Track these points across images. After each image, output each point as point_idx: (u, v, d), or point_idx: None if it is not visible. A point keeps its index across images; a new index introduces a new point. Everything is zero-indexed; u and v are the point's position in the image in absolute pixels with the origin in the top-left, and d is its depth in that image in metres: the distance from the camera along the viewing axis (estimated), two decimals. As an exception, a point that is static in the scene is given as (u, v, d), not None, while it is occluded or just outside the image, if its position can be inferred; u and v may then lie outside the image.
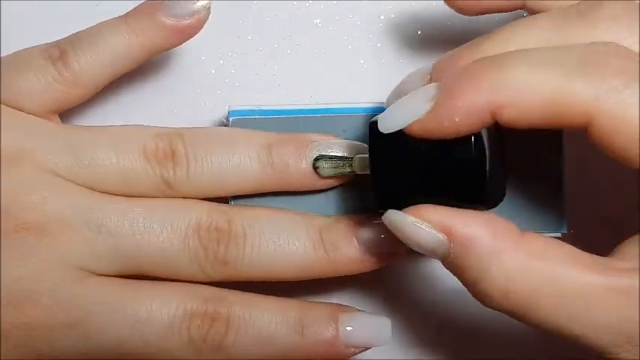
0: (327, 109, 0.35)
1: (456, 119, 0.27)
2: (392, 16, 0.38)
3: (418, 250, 0.29)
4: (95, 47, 0.33)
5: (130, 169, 0.33)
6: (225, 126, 0.35)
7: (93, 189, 0.33)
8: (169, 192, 0.33)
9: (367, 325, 0.33)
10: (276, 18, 0.38)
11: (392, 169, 0.30)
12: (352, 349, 0.33)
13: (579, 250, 0.28)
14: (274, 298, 0.34)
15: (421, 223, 0.29)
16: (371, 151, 0.31)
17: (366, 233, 0.33)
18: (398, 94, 0.31)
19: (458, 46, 0.30)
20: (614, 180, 0.38)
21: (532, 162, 0.34)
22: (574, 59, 0.27)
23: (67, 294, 0.32)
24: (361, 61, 0.38)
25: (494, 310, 0.29)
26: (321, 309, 0.33)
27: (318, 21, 0.38)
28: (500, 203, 0.34)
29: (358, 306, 0.34)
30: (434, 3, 0.38)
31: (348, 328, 0.33)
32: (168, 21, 0.34)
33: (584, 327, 0.27)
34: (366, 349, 0.34)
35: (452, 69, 0.29)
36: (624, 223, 0.38)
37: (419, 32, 0.38)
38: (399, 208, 0.29)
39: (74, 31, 0.36)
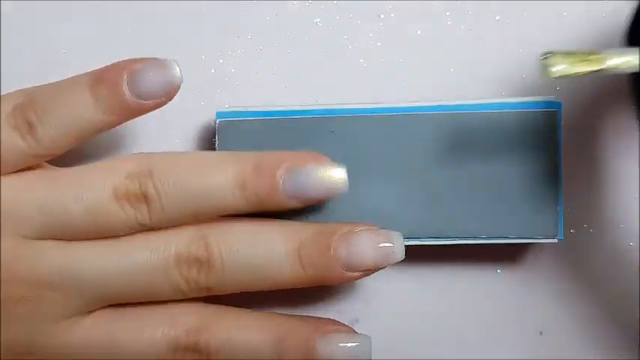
0: (314, 110, 0.35)
1: None
2: (392, 16, 0.38)
3: None
4: (62, 119, 0.33)
5: (102, 217, 0.33)
6: (213, 128, 0.35)
7: (63, 238, 0.33)
8: (145, 229, 0.33)
9: (345, 347, 0.34)
10: (276, 18, 0.38)
11: None
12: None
13: None
14: (258, 318, 0.34)
15: None
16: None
17: (344, 247, 0.33)
18: None
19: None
20: (614, 180, 0.38)
21: (528, 167, 0.34)
22: None
23: (60, 343, 0.33)
24: (361, 61, 0.38)
25: None
26: (300, 332, 0.34)
27: (318, 21, 0.38)
28: (496, 210, 0.34)
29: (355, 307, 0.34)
30: (434, 3, 0.38)
31: (325, 349, 0.33)
32: (133, 103, 0.33)
33: None
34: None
35: None
36: (624, 223, 0.38)
37: (419, 32, 0.38)
38: None
39: (74, 31, 0.36)
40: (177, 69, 0.33)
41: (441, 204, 0.34)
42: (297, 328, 0.34)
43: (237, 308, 0.35)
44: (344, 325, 0.35)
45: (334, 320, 0.35)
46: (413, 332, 0.38)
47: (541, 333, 0.38)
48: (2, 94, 0.33)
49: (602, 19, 0.38)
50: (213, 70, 0.38)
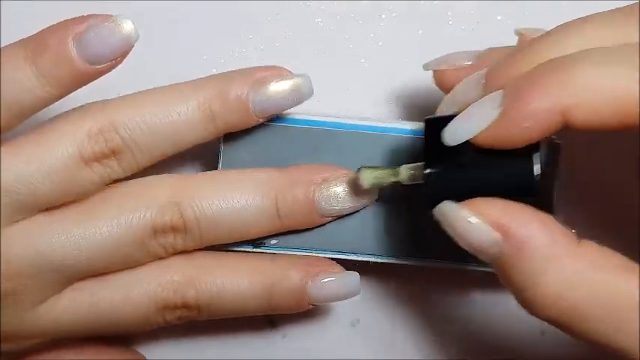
0: (320, 121, 0.34)
1: (526, 124, 0.26)
2: (392, 15, 0.38)
3: (464, 247, 0.28)
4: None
5: (72, 184, 0.31)
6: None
7: (35, 208, 0.32)
8: (121, 178, 0.33)
9: (336, 286, 0.34)
10: (276, 18, 0.38)
11: (448, 172, 0.29)
12: (320, 303, 0.34)
13: (633, 262, 0.27)
14: (246, 265, 0.34)
15: (475, 218, 0.27)
16: (427, 153, 0.30)
17: (322, 197, 0.33)
18: (452, 102, 0.30)
19: (462, 50, 0.30)
20: (614, 180, 0.38)
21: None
22: None
23: (44, 324, 0.33)
24: (361, 61, 0.38)
25: (538, 317, 0.27)
26: (291, 276, 0.34)
27: (319, 20, 0.38)
28: None
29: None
30: (434, 3, 0.38)
31: (316, 292, 0.34)
32: (82, 66, 0.30)
33: (632, 341, 0.26)
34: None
35: (514, 73, 0.28)
36: (624, 223, 0.38)
37: (419, 32, 0.38)
38: None
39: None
40: (130, 23, 0.31)
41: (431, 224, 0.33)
42: (287, 274, 0.34)
43: (221, 254, 0.34)
44: (333, 264, 0.35)
45: (322, 259, 0.34)
46: (413, 332, 0.38)
47: (542, 333, 0.38)
48: None
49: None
50: (214, 70, 0.38)
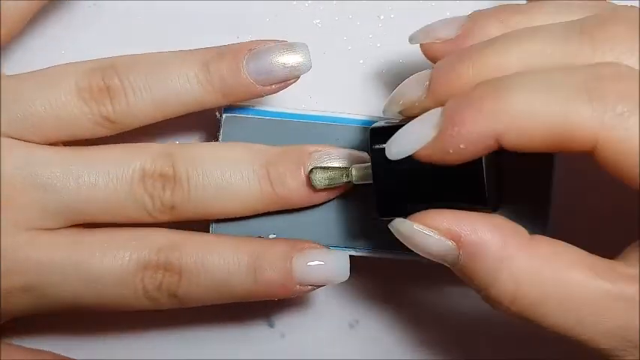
0: (321, 116, 0.35)
1: (461, 146, 0.28)
2: (392, 16, 0.38)
3: (427, 257, 0.29)
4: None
5: (65, 113, 0.32)
6: (219, 122, 0.35)
7: (32, 141, 0.33)
8: (112, 126, 0.33)
9: (323, 264, 0.33)
10: (276, 18, 0.38)
11: (394, 177, 0.31)
12: (308, 287, 0.34)
13: (587, 253, 0.29)
14: (230, 238, 0.34)
15: (429, 231, 0.29)
16: (373, 161, 0.31)
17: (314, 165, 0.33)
18: (396, 100, 0.31)
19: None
20: (614, 180, 0.38)
21: (521, 181, 0.33)
22: (577, 83, 0.27)
23: (21, 258, 0.32)
24: (361, 61, 0.38)
25: (505, 314, 0.29)
26: (276, 249, 0.33)
27: (318, 21, 0.38)
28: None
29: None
30: (434, 3, 0.38)
31: (303, 268, 0.33)
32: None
33: (590, 332, 0.28)
34: (324, 285, 0.34)
35: (454, 84, 0.29)
36: (624, 224, 0.38)
37: (419, 32, 0.38)
38: (402, 215, 0.30)
39: (74, 31, 0.36)
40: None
41: None
42: (272, 247, 0.33)
43: (206, 233, 0.34)
44: (320, 245, 0.34)
45: (310, 241, 0.34)
46: (413, 332, 0.38)
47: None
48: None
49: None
50: (213, 71, 0.38)
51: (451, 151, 0.28)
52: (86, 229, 0.33)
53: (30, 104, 0.32)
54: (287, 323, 0.38)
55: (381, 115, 0.33)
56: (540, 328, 0.29)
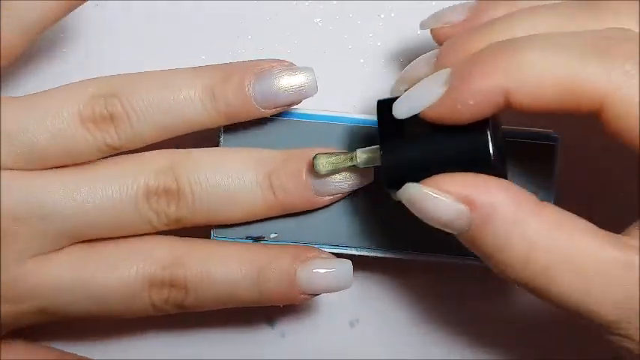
0: (322, 115, 0.35)
1: (470, 102, 0.28)
2: (392, 15, 0.38)
3: (432, 224, 0.29)
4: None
5: (70, 144, 0.32)
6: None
7: (34, 169, 0.32)
8: (115, 151, 0.33)
9: (327, 273, 0.33)
10: (276, 18, 0.38)
11: (401, 146, 0.30)
12: (312, 295, 0.34)
13: (595, 226, 0.28)
14: (234, 248, 0.34)
15: (441, 194, 0.28)
16: (381, 132, 0.30)
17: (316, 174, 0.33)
18: (405, 79, 0.32)
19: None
20: (614, 180, 0.38)
21: (525, 176, 0.34)
22: (587, 43, 0.27)
23: (31, 285, 0.32)
24: (361, 61, 0.38)
25: (513, 282, 0.29)
26: (280, 261, 0.33)
27: (318, 20, 0.38)
28: None
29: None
30: (434, 3, 0.38)
31: (307, 279, 0.33)
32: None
33: (599, 301, 0.28)
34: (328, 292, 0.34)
35: (462, 54, 0.29)
36: (624, 223, 0.38)
37: (419, 32, 0.38)
38: None
39: (73, 32, 0.36)
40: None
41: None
42: (277, 258, 0.33)
43: (211, 240, 0.34)
44: (324, 251, 0.34)
45: (313, 247, 0.34)
46: (413, 332, 0.38)
47: (539, 332, 0.38)
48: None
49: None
50: (213, 71, 0.38)
51: (459, 107, 0.28)
52: (91, 245, 0.33)
53: (32, 137, 0.32)
54: (287, 323, 0.38)
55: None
56: (547, 298, 0.28)
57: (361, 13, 0.38)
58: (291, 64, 0.33)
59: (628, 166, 0.37)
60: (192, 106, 0.32)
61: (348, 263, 0.34)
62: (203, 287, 0.33)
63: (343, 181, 0.33)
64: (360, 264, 0.35)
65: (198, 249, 0.34)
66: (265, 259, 0.33)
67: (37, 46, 0.37)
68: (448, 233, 0.29)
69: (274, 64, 0.33)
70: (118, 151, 0.33)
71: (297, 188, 0.33)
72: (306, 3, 0.38)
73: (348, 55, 0.38)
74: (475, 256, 0.30)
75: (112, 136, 0.32)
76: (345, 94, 0.37)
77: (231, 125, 0.34)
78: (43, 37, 0.36)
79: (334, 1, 0.38)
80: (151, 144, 0.33)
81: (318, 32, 0.38)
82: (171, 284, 0.33)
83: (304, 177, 0.33)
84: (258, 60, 0.33)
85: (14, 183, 0.32)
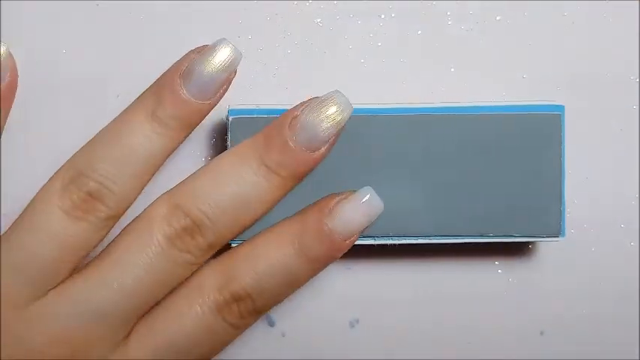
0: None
1: None
2: (392, 15, 0.38)
3: None
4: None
5: (71, 242, 0.32)
6: (226, 125, 0.35)
7: (52, 285, 0.32)
8: (114, 218, 0.33)
9: (356, 210, 0.33)
10: (276, 18, 0.38)
11: None
12: (355, 236, 0.33)
13: None
14: (265, 238, 0.34)
15: None
16: None
17: (302, 135, 0.33)
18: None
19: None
20: (614, 180, 0.38)
21: (532, 168, 0.34)
22: None
23: None
24: (361, 61, 0.38)
25: None
26: (309, 226, 0.33)
27: (318, 20, 0.38)
28: (500, 209, 0.34)
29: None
30: (434, 3, 0.38)
31: (341, 227, 0.33)
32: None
33: None
34: (368, 226, 0.34)
35: None
36: (624, 223, 0.38)
37: (419, 32, 0.38)
38: None
39: (73, 32, 0.36)
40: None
41: (445, 203, 0.34)
42: (304, 223, 0.33)
43: (238, 245, 0.34)
44: (343, 193, 0.34)
45: (332, 195, 0.34)
46: (413, 332, 0.38)
47: (542, 333, 0.38)
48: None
49: (603, 19, 0.38)
50: (213, 70, 0.38)
51: None
52: (149, 313, 0.33)
53: (42, 262, 0.32)
54: (287, 322, 0.38)
55: (376, 104, 0.33)
56: None
57: (361, 14, 0.38)
58: (205, 45, 0.33)
59: (628, 166, 0.37)
60: (149, 140, 0.32)
61: (369, 189, 0.34)
62: (263, 287, 0.33)
63: (325, 121, 0.33)
64: (360, 264, 0.35)
65: (235, 257, 0.34)
66: (295, 230, 0.33)
67: (37, 46, 0.37)
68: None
69: (192, 56, 0.33)
70: (117, 214, 0.33)
71: (292, 156, 0.33)
72: (307, 3, 0.38)
73: (348, 55, 0.38)
74: (494, 233, 0.32)
75: (101, 210, 0.32)
76: (345, 93, 0.37)
77: (236, 128, 0.34)
78: (43, 37, 0.36)
79: (334, 1, 0.38)
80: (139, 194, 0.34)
81: (318, 32, 0.38)
82: (235, 299, 0.33)
83: (292, 143, 0.33)
84: (178, 61, 0.33)
85: (45, 318, 0.32)
